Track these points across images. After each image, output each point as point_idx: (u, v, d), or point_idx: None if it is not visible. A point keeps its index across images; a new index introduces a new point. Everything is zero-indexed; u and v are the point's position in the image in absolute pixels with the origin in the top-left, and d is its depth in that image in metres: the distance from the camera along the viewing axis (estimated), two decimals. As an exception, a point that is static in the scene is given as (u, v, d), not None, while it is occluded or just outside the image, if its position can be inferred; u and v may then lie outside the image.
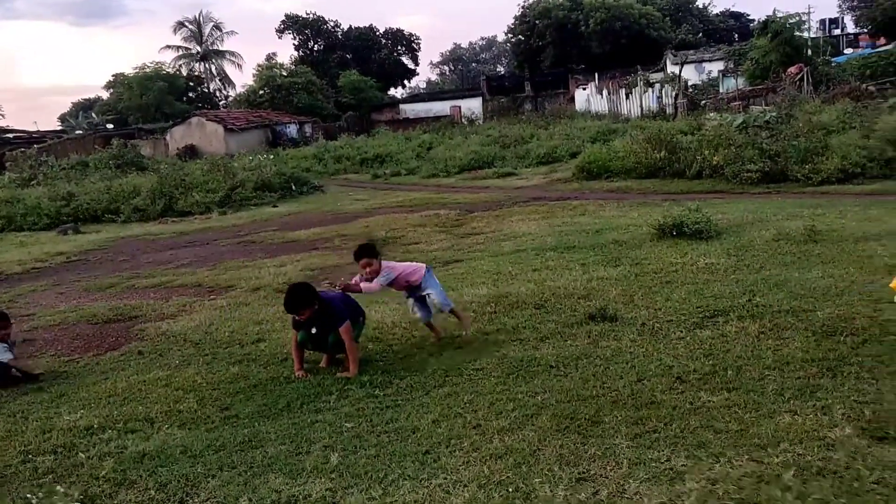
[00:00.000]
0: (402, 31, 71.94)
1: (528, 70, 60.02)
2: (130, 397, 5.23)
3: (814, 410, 3.87)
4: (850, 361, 4.52)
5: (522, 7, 60.01)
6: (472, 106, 54.59)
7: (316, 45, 68.52)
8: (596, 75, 48.04)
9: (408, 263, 6.06)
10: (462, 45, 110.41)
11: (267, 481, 3.71)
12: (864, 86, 26.62)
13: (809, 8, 60.51)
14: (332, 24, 69.04)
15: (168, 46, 66.68)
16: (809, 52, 33.35)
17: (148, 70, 58.92)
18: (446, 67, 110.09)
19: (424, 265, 6.02)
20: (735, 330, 5.39)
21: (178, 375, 5.65)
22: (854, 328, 5.13)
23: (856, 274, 6.58)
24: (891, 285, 5.12)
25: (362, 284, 5.67)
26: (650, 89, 35.40)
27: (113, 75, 63.48)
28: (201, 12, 65.37)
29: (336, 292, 5.63)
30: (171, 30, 68.59)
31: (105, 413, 4.91)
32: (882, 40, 38.45)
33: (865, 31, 43.22)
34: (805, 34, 35.14)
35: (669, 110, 30.68)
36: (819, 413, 3.84)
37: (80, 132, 54.86)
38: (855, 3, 67.67)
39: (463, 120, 48.13)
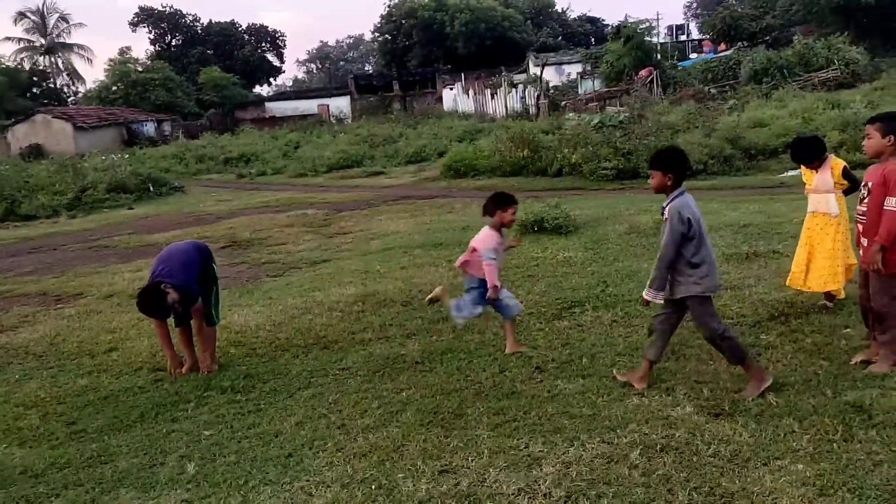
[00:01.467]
0: (266, 27, 69.63)
1: (396, 69, 60.19)
2: (-40, 419, 4.76)
3: (659, 392, 4.15)
4: (692, 344, 4.88)
5: (388, 6, 60.15)
6: (340, 105, 53.94)
7: (174, 40, 65.05)
8: (462, 75, 48.92)
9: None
10: (329, 43, 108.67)
11: (117, 497, 3.51)
12: (706, 88, 28.83)
13: (658, 14, 64.68)
14: (190, 18, 65.83)
15: (7, 38, 60.93)
16: (658, 56, 35.72)
17: (-16, 64, 53.74)
18: (313, 65, 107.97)
19: None
20: (590, 319, 5.68)
21: (17, 391, 5.22)
22: (694, 313, 5.54)
23: (697, 263, 7.09)
24: (787, 283, 5.58)
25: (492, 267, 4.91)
26: (514, 90, 36.52)
27: (-57, 69, 57.13)
28: (45, 2, 59.81)
29: (179, 278, 5.09)
30: (11, 20, 62.21)
31: (-72, 439, 4.44)
32: (722, 46, 41.69)
33: (708, 37, 46.56)
34: (654, 39, 37.61)
35: (532, 110, 31.75)
36: (664, 394, 4.12)
37: None
38: (698, 11, 73.18)
39: (331, 119, 47.47)
